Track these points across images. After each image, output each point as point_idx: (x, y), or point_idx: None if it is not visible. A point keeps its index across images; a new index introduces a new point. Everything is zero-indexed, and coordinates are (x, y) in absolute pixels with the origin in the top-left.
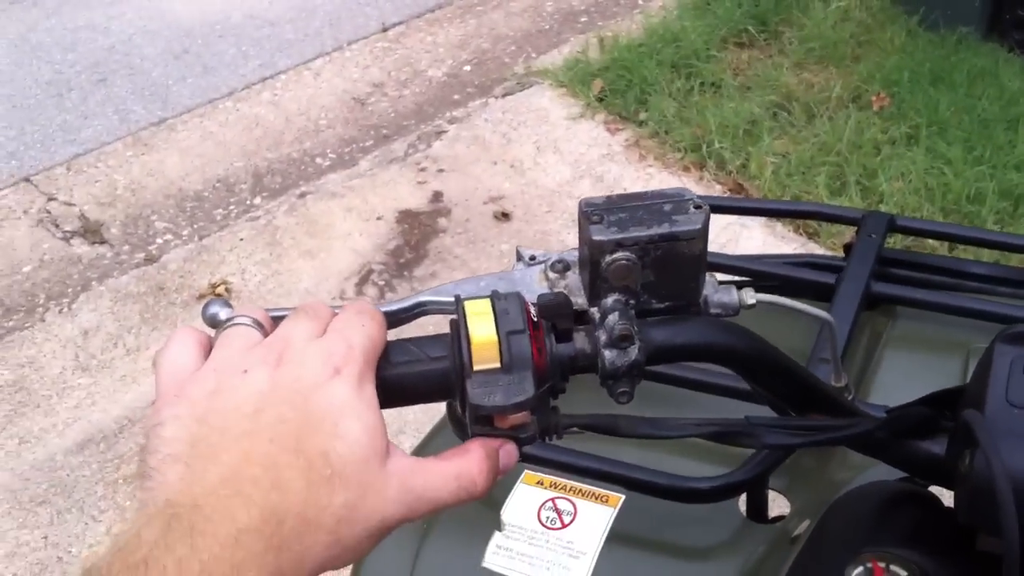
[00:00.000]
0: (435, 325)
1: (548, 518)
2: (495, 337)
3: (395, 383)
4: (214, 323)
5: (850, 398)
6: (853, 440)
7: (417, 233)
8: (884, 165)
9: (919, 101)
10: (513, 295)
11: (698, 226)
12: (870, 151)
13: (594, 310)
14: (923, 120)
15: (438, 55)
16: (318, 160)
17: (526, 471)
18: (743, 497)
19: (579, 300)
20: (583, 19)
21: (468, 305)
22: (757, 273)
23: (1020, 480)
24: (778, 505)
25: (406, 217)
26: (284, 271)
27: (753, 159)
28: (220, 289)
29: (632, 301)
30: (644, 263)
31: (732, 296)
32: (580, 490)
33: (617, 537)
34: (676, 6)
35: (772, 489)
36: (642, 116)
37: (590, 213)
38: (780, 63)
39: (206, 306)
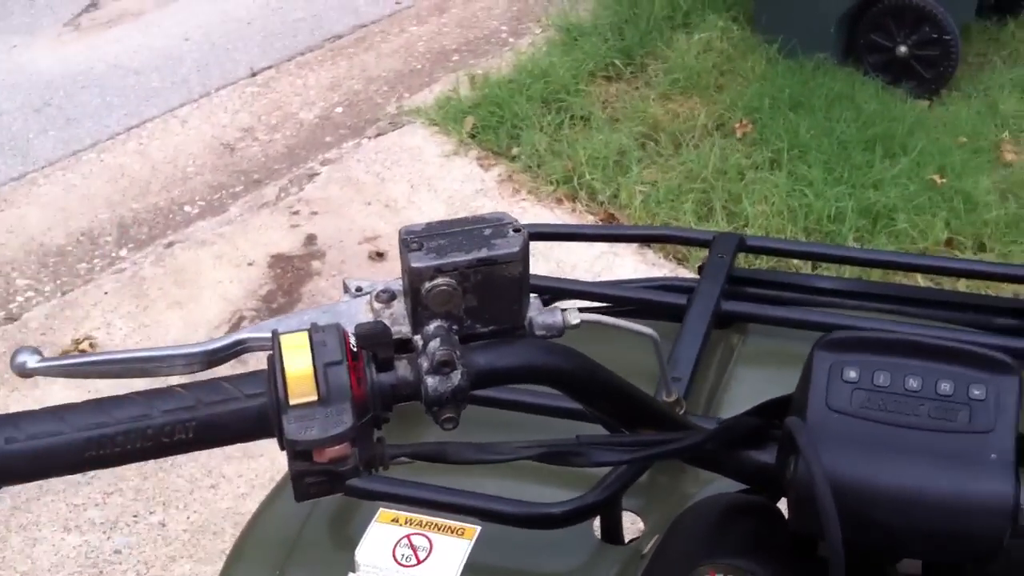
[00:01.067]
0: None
1: (403, 555)
2: (311, 369)
3: (208, 423)
4: (23, 373)
5: (682, 412)
6: (683, 453)
7: (290, 277)
8: (748, 189)
9: (780, 126)
10: (332, 326)
11: (516, 249)
12: (735, 176)
13: (417, 338)
14: (784, 144)
15: (309, 98)
16: (186, 208)
17: (381, 509)
18: (598, 520)
19: (404, 329)
20: (455, 58)
21: (284, 339)
22: (612, 298)
23: (841, 483)
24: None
25: (279, 261)
26: (151, 323)
27: (623, 189)
28: (84, 345)
29: (455, 327)
30: (465, 288)
31: (556, 317)
32: (436, 524)
33: (474, 569)
34: (544, 42)
35: (627, 510)
36: (514, 151)
37: (409, 241)
38: (647, 95)
39: (14, 355)
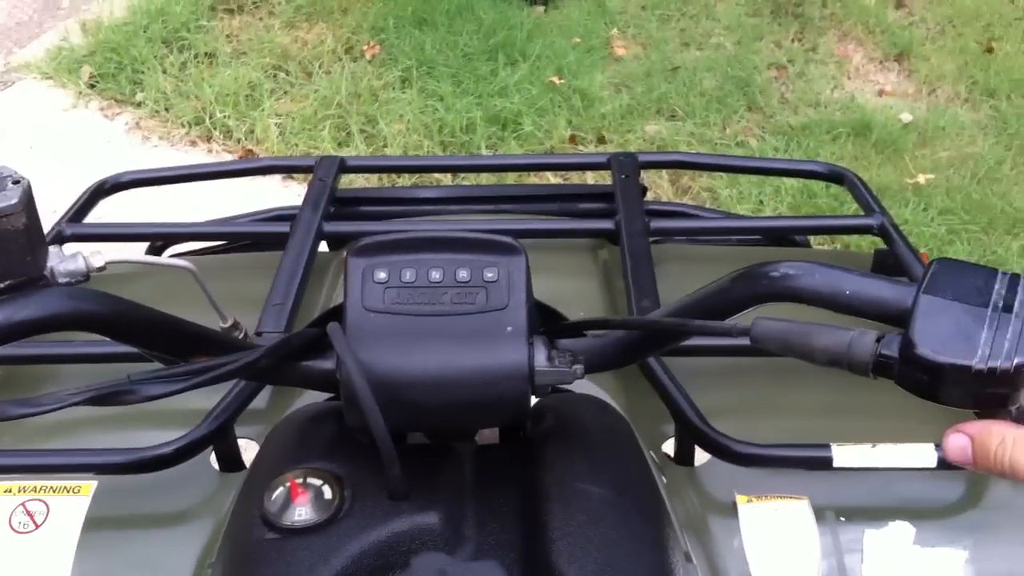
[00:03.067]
0: None
1: (20, 523)
2: None
3: None
4: None
5: (241, 335)
6: (239, 373)
7: None
8: (383, 110)
9: (407, 44)
10: None
11: (15, 201)
12: (368, 99)
13: None
14: (413, 62)
15: None
16: None
17: None
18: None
19: None
20: (64, 4)
21: None
22: (221, 235)
23: (381, 376)
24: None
25: None
26: None
27: (258, 123)
28: None
29: None
30: None
31: (79, 263)
32: (51, 487)
33: (96, 523)
34: None
35: (245, 437)
36: (139, 96)
37: None
38: (271, 24)
39: None
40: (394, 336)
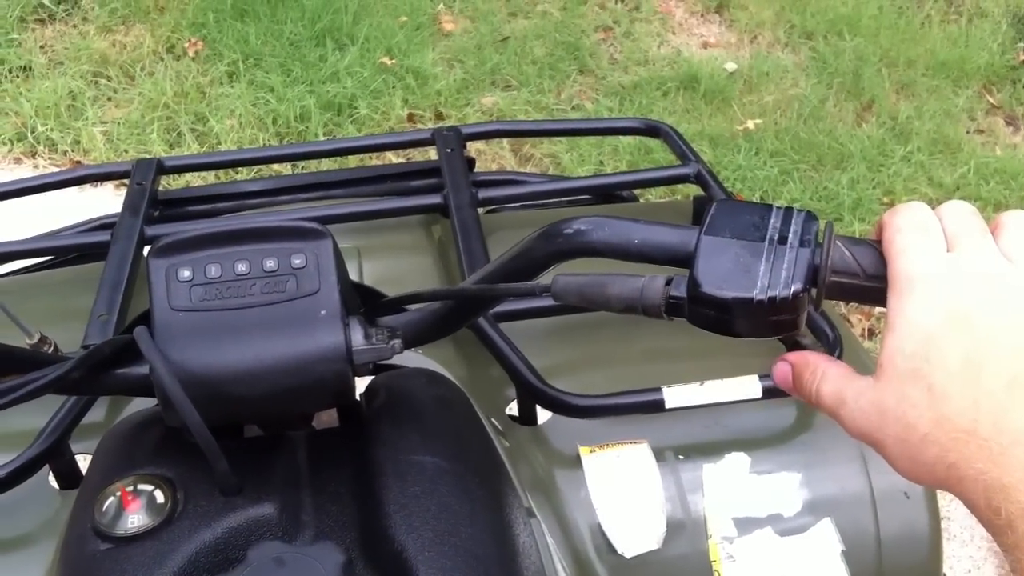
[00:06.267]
0: None
1: None
2: None
3: None
4: None
5: (49, 349)
6: (49, 388)
7: None
8: (212, 107)
9: (230, 38)
10: None
11: None
12: (196, 97)
13: None
14: (238, 55)
15: None
16: None
17: None
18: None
19: None
20: None
21: None
22: (44, 251)
23: (196, 374)
24: None
25: None
26: None
27: (83, 133)
28: None
29: None
30: None
31: None
32: None
33: None
34: None
35: (83, 453)
36: None
37: None
38: (86, 31)
39: None
40: (205, 332)
